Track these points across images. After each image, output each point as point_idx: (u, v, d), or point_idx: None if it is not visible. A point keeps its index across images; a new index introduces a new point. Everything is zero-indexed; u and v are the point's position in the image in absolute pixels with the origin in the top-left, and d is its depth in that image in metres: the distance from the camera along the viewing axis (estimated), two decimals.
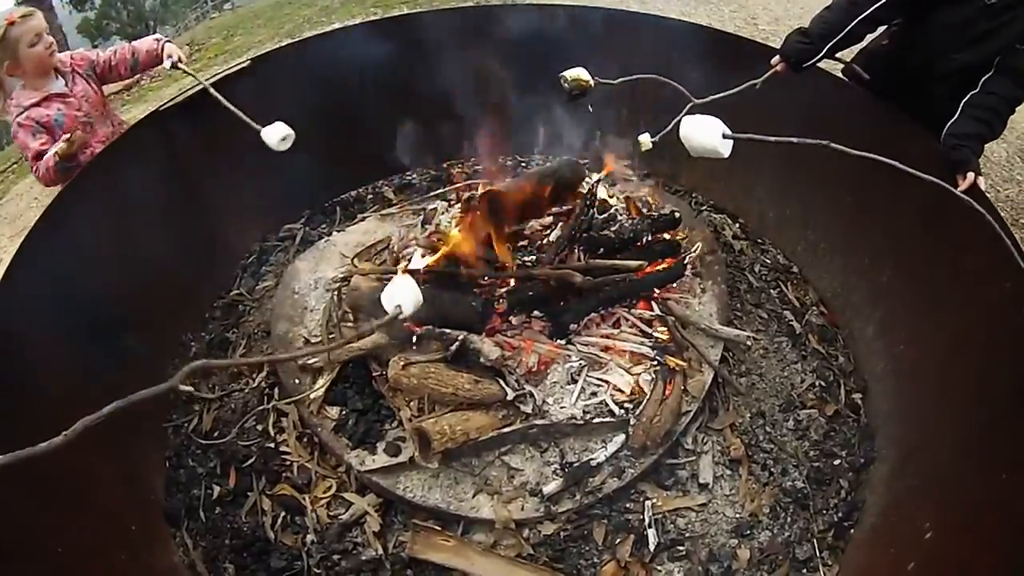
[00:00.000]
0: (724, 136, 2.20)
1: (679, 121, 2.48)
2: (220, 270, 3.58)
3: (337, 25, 11.11)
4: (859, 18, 3.21)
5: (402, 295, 2.01)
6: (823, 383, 3.28)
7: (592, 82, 2.93)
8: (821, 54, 3.22)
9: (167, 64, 3.24)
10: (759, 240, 4.15)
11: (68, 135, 2.91)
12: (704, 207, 4.27)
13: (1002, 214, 5.45)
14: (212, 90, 3.15)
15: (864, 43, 3.55)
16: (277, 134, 2.98)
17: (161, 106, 3.27)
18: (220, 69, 3.55)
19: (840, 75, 3.63)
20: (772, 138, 2.16)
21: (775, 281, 3.87)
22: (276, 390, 2.91)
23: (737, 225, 4.22)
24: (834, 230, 3.50)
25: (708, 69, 3.37)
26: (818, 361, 3.39)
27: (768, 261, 4.00)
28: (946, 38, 3.27)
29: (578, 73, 2.89)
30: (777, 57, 3.29)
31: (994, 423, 2.17)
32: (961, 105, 3.15)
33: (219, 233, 3.55)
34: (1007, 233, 2.39)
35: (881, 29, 3.51)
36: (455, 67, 3.79)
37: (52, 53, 3.16)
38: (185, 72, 3.33)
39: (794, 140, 2.15)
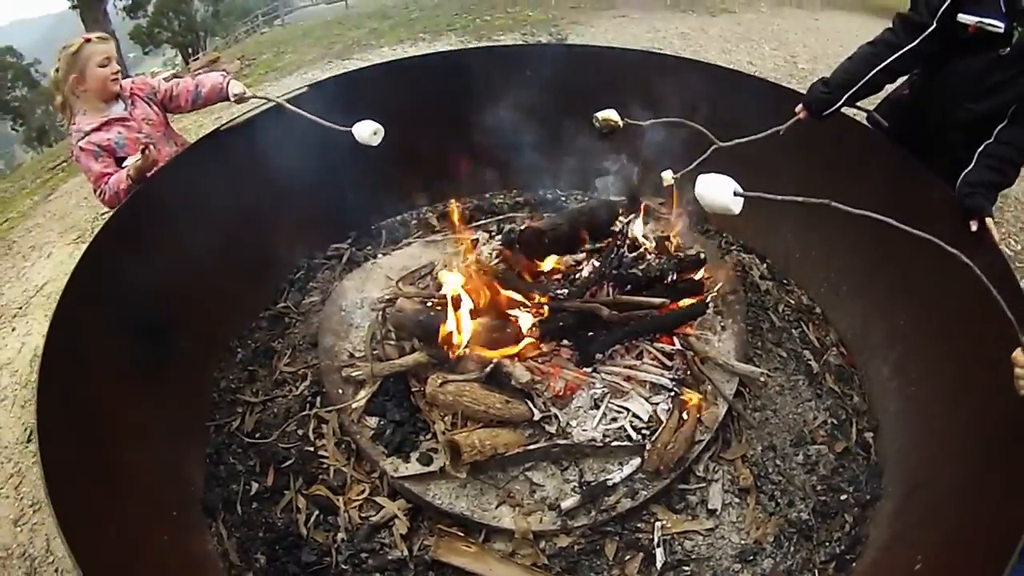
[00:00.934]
0: (735, 194, 2.33)
1: (702, 161, 2.69)
2: (268, 283, 3.75)
3: (386, 49, 11.41)
4: (877, 68, 3.32)
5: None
6: (835, 421, 3.37)
7: (621, 123, 3.07)
8: (841, 103, 3.35)
9: (233, 99, 3.36)
10: (784, 280, 4.25)
11: (143, 148, 3.00)
12: (733, 247, 4.35)
13: None
14: (288, 105, 3.33)
15: (885, 92, 3.68)
16: (368, 129, 3.17)
17: (222, 125, 3.46)
18: (271, 85, 3.74)
19: (863, 122, 3.72)
20: (779, 197, 2.28)
21: (797, 321, 3.98)
22: (318, 399, 3.02)
23: (765, 265, 4.33)
24: (856, 272, 3.59)
25: (737, 111, 3.50)
26: (832, 400, 3.48)
27: (792, 301, 4.11)
28: (961, 88, 3.35)
29: (608, 114, 3.06)
30: (800, 105, 3.40)
31: (990, 462, 2.31)
32: (976, 154, 3.22)
33: (269, 248, 3.72)
34: (1007, 283, 2.53)
35: (901, 79, 3.58)
36: (502, 103, 3.91)
37: (116, 80, 3.28)
38: (255, 97, 3.44)
39: (799, 200, 2.28)
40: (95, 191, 3.23)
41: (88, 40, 3.17)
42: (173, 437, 2.75)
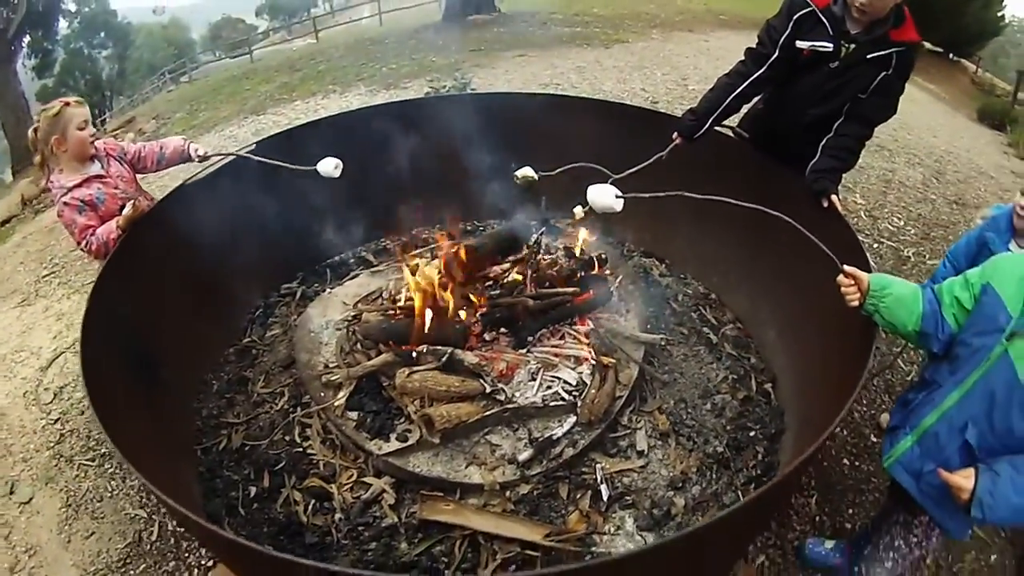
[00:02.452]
0: (616, 196, 2.95)
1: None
2: (231, 321, 4.14)
3: (299, 103, 11.67)
4: (733, 95, 3.82)
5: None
6: (735, 376, 3.93)
7: (536, 176, 3.53)
8: (706, 127, 3.84)
9: (196, 159, 3.68)
10: (682, 275, 4.81)
11: (132, 200, 3.31)
12: (635, 252, 4.94)
13: (913, 230, 6.33)
14: (254, 157, 3.77)
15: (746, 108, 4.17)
16: (330, 164, 3.61)
17: (186, 180, 3.80)
18: (191, 143, 4.05)
19: (731, 135, 4.23)
20: (647, 194, 2.91)
21: (695, 306, 4.50)
22: (299, 410, 3.41)
23: (664, 265, 4.90)
24: (742, 261, 4.16)
25: (631, 140, 3.89)
26: (732, 362, 4.04)
27: (689, 291, 4.64)
28: (804, 98, 3.80)
29: (526, 172, 3.54)
30: (675, 133, 3.89)
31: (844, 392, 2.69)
32: (820, 147, 3.70)
33: (230, 290, 4.10)
34: (846, 237, 3.12)
35: (755, 99, 4.09)
36: (422, 149, 4.44)
37: (93, 142, 3.45)
38: (218, 155, 3.79)
39: (660, 195, 2.88)
40: (79, 243, 3.43)
41: (67, 104, 3.41)
42: (168, 459, 3.05)
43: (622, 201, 3.00)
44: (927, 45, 44.20)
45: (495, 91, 7.78)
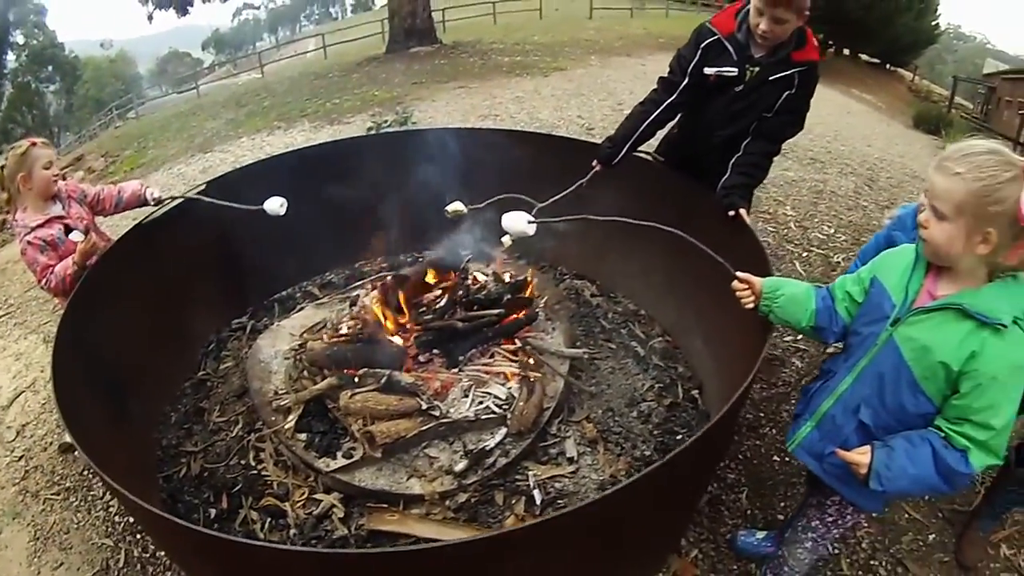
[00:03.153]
0: (529, 222, 3.19)
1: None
2: (186, 355, 4.31)
3: (245, 139, 11.79)
4: (647, 122, 3.97)
5: None
6: (662, 385, 4.09)
7: (466, 210, 3.67)
8: (623, 153, 3.99)
9: (152, 203, 3.86)
10: (612, 295, 4.99)
11: (85, 229, 3.48)
12: (567, 276, 5.17)
13: (844, 236, 6.57)
14: (203, 197, 3.94)
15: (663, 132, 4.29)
16: (275, 203, 3.81)
17: (142, 220, 3.88)
18: (140, 180, 4.20)
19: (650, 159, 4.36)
20: (559, 219, 3.17)
21: (625, 322, 4.67)
22: (253, 435, 3.59)
23: (595, 286, 5.08)
24: (666, 277, 4.34)
25: (560, 169, 4.02)
26: (658, 372, 4.20)
27: (620, 309, 4.82)
28: (714, 120, 3.93)
29: (456, 206, 3.66)
30: (595, 160, 4.04)
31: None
32: (730, 165, 3.80)
33: (184, 326, 4.26)
34: (752, 247, 3.30)
35: (670, 124, 4.18)
36: (363, 186, 4.62)
37: (56, 181, 3.58)
38: (171, 199, 3.93)
39: (566, 219, 3.16)
40: (40, 280, 3.54)
41: (34, 144, 3.51)
42: (133, 486, 3.11)
43: (534, 226, 3.24)
44: (864, 57, 45.24)
45: (431, 127, 7.98)
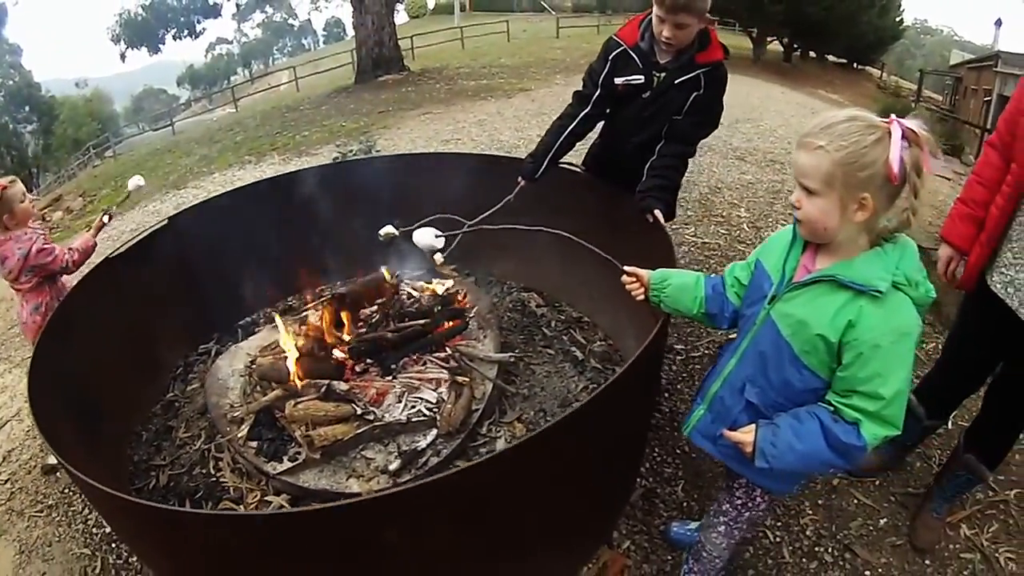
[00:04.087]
0: (436, 236, 3.41)
1: (457, 240, 3.54)
2: (157, 379, 4.55)
3: (217, 175, 12.05)
4: (564, 135, 4.09)
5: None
6: (596, 385, 4.15)
7: (397, 232, 3.74)
8: (544, 167, 4.10)
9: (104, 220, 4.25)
10: (556, 304, 5.15)
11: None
12: (514, 289, 5.33)
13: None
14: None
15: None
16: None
17: (111, 253, 4.09)
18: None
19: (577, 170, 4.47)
20: (462, 231, 3.41)
21: (567, 329, 4.81)
22: (213, 446, 3.83)
23: (540, 296, 5.21)
24: (603, 283, 4.08)
25: (490, 189, 4.13)
26: (595, 373, 4.30)
27: (563, 317, 4.97)
28: (626, 128, 4.03)
29: (387, 229, 3.77)
30: (519, 176, 4.14)
31: None
32: (645, 169, 3.87)
33: (155, 351, 4.53)
34: (664, 248, 3.40)
35: (590, 135, 4.31)
36: (318, 215, 4.89)
37: (34, 205, 3.91)
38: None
39: (469, 229, 3.43)
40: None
41: (5, 187, 3.76)
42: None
43: (442, 239, 3.47)
44: (830, 58, 45.61)
45: (381, 155, 8.20)
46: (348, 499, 2.37)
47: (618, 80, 3.95)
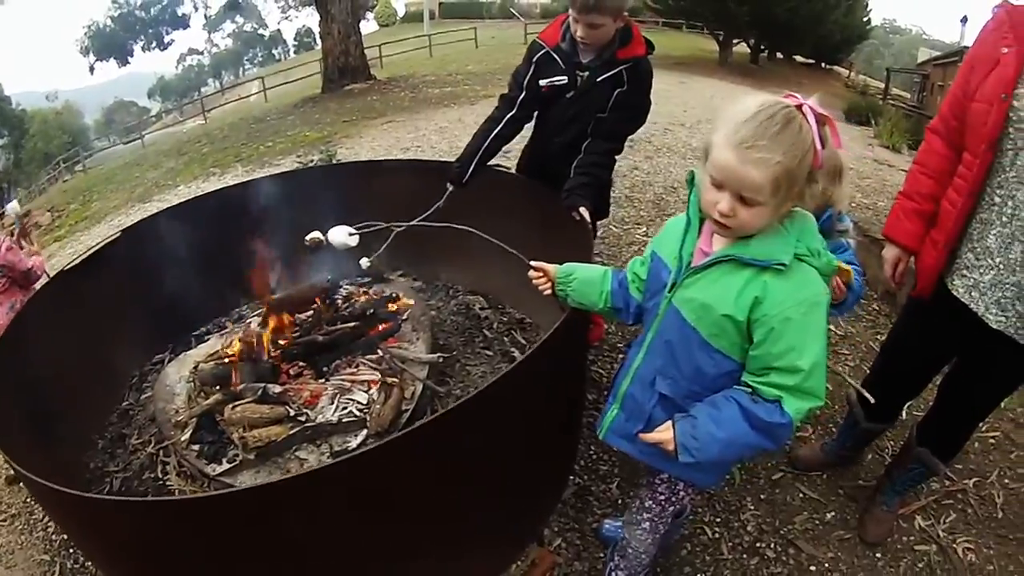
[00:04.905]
0: (350, 234, 3.51)
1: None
2: (114, 389, 4.63)
3: (182, 187, 12.15)
4: (491, 137, 4.13)
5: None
6: None
7: (322, 237, 3.85)
8: (471, 170, 4.12)
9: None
10: (500, 306, 5.16)
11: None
12: (460, 293, 5.38)
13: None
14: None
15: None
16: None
17: (66, 265, 4.17)
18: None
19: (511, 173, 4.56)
20: (369, 229, 3.53)
21: (508, 331, 4.83)
22: (161, 452, 3.93)
23: (485, 299, 5.22)
24: None
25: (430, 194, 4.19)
26: None
27: (505, 319, 4.99)
28: (552, 128, 4.11)
29: (313, 235, 3.91)
30: (447, 181, 4.16)
31: None
32: (572, 168, 3.87)
33: (112, 362, 4.63)
34: (584, 242, 3.48)
35: (518, 137, 4.30)
36: (271, 224, 4.92)
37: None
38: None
39: (378, 227, 3.56)
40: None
41: None
42: None
43: (357, 237, 3.55)
44: (798, 58, 45.95)
45: (330, 163, 8.26)
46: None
47: (542, 82, 4.00)
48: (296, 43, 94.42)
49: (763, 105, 1.90)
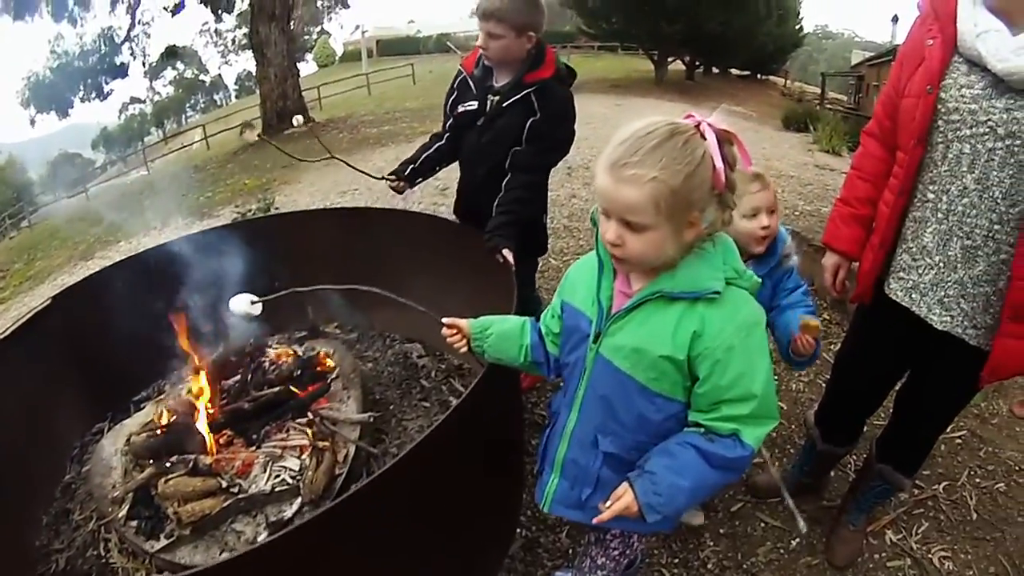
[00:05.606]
0: (252, 303, 3.28)
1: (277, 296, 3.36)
2: (54, 463, 4.52)
3: (123, 243, 12.05)
4: (426, 154, 4.19)
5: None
6: None
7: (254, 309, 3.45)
8: (407, 171, 4.19)
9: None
10: (438, 353, 5.02)
11: None
12: (397, 341, 5.30)
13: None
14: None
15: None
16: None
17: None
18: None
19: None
20: (271, 297, 3.28)
21: (446, 379, 4.70)
22: (102, 528, 3.85)
23: (422, 347, 5.16)
24: None
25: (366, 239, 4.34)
26: None
27: (443, 366, 4.85)
28: (470, 158, 4.04)
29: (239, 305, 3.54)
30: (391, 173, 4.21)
31: None
32: (494, 206, 3.73)
33: (50, 436, 4.51)
34: (507, 286, 3.31)
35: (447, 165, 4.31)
36: (199, 284, 4.78)
37: None
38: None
39: (280, 295, 3.28)
40: None
41: None
42: None
43: (260, 305, 3.31)
44: (734, 71, 46.68)
45: (260, 216, 8.22)
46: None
47: (460, 108, 3.94)
48: (237, 87, 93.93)
49: (646, 124, 1.79)
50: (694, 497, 1.98)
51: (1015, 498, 3.96)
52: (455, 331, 2.59)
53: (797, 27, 45.44)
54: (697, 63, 41.30)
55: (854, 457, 4.16)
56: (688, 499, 1.96)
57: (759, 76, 49.40)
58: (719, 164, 1.78)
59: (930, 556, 3.50)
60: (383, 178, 4.30)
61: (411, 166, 4.21)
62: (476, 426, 2.67)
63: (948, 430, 4.42)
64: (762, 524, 3.70)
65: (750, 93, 39.93)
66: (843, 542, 3.51)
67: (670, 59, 37.25)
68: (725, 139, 1.81)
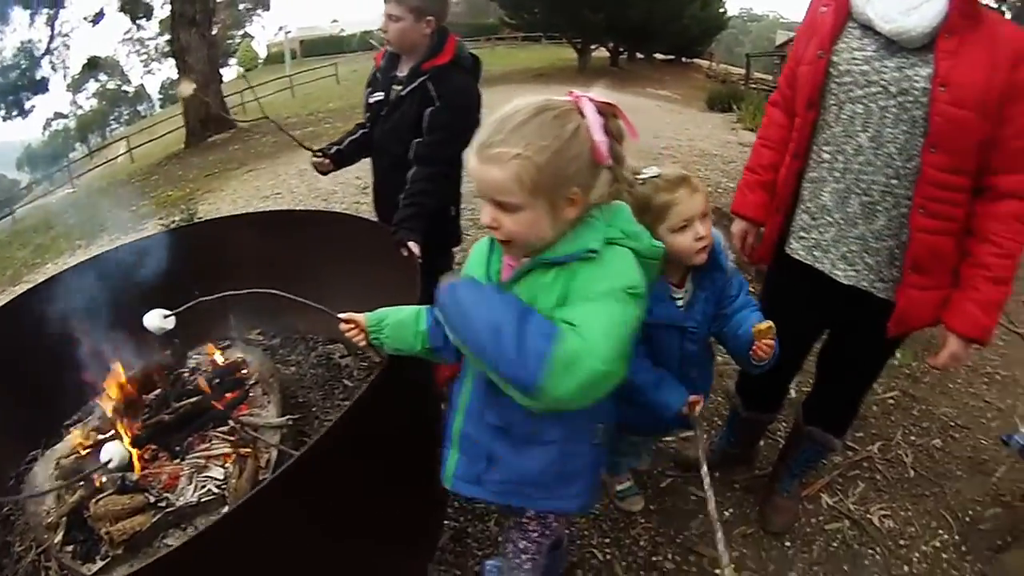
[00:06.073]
0: (165, 316, 3.29)
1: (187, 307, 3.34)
2: None
3: (49, 265, 11.92)
4: (350, 139, 4.22)
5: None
6: None
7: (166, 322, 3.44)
8: (332, 152, 4.23)
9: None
10: (359, 353, 5.10)
11: None
12: (319, 343, 5.30)
13: None
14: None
15: None
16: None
17: None
18: None
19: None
20: (181, 308, 3.28)
21: (367, 378, 4.73)
22: (42, 557, 3.81)
23: (344, 347, 5.18)
24: None
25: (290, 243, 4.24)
26: None
27: (365, 364, 4.87)
28: (377, 149, 4.05)
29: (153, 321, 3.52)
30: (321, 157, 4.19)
31: None
32: (400, 199, 3.70)
33: None
34: (411, 284, 3.27)
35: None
36: (118, 301, 4.70)
37: None
38: None
39: (191, 304, 3.26)
40: None
41: None
42: None
43: (173, 319, 3.30)
44: (658, 56, 47.00)
45: (177, 227, 8.14)
46: None
47: (369, 100, 3.98)
48: (161, 96, 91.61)
49: (515, 103, 1.78)
50: (474, 319, 1.80)
51: (952, 453, 4.08)
52: (352, 326, 2.57)
53: (721, 10, 45.81)
54: (621, 50, 41.43)
55: (783, 425, 4.25)
56: (469, 313, 1.83)
57: (684, 60, 49.77)
58: (599, 137, 1.77)
59: (869, 516, 3.55)
60: (313, 152, 4.27)
61: (336, 147, 4.20)
62: (381, 421, 2.65)
63: (880, 391, 4.57)
64: (693, 498, 3.68)
65: (675, 77, 40.24)
66: (777, 510, 3.54)
67: (594, 47, 37.10)
68: (608, 112, 1.80)
